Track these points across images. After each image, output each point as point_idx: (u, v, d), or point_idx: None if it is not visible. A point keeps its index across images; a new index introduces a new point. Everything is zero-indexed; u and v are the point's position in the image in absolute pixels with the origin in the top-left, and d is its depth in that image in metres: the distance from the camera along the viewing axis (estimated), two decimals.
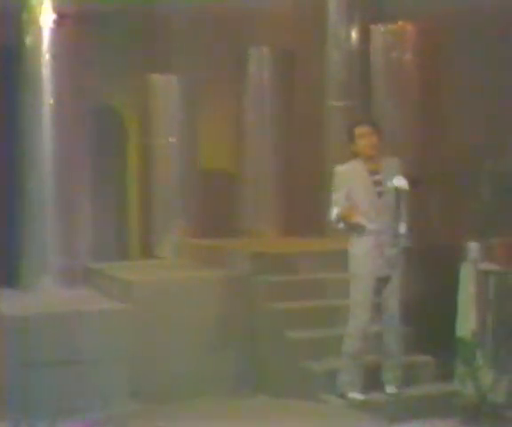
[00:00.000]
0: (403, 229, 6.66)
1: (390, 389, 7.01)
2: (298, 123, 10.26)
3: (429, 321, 7.41)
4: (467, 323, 7.00)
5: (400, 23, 8.61)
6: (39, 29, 8.55)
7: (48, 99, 8.59)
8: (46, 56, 8.58)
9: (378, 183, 6.87)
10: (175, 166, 9.92)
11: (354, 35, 9.42)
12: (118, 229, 10.52)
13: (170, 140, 9.90)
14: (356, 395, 6.93)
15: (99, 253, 9.17)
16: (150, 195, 9.95)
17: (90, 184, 9.01)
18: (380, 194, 6.85)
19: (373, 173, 6.90)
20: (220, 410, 5.74)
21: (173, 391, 7.32)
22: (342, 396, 6.95)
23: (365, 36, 9.07)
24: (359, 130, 6.92)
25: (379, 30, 8.79)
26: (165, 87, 9.97)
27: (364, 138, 6.88)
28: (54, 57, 8.55)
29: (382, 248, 6.83)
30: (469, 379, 6.52)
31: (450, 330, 7.05)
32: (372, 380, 7.06)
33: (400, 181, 6.59)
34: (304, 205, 9.84)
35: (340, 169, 6.99)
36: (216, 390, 7.61)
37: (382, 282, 6.91)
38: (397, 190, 6.60)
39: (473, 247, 7.21)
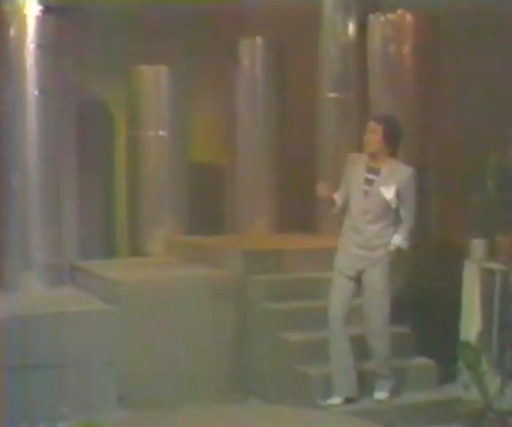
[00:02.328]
0: (397, 239, 6.65)
1: (379, 395, 6.83)
2: (291, 115, 10.08)
3: (431, 323, 7.24)
4: (471, 325, 6.86)
5: (399, 12, 8.36)
6: (23, 19, 8.38)
7: (33, 90, 8.38)
8: (31, 46, 8.40)
9: (368, 182, 6.71)
10: (165, 161, 9.70)
11: (350, 24, 9.20)
12: (105, 226, 10.32)
13: (160, 133, 9.67)
14: (332, 400, 6.77)
15: (85, 251, 8.98)
16: (139, 190, 9.74)
17: (76, 179, 8.86)
18: (366, 193, 6.69)
19: (372, 171, 6.73)
20: (211, 416, 5.62)
21: (162, 396, 7.21)
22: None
23: (362, 25, 8.83)
24: (368, 124, 6.83)
25: (377, 19, 8.55)
26: (154, 79, 9.75)
27: (366, 133, 6.79)
28: (39, 47, 8.40)
29: (351, 247, 6.70)
30: (474, 385, 6.29)
31: (453, 333, 6.86)
32: (365, 386, 6.88)
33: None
34: (297, 200, 9.64)
35: (348, 157, 6.97)
36: (207, 394, 7.50)
37: (355, 282, 6.72)
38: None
39: (477, 245, 7.03)
